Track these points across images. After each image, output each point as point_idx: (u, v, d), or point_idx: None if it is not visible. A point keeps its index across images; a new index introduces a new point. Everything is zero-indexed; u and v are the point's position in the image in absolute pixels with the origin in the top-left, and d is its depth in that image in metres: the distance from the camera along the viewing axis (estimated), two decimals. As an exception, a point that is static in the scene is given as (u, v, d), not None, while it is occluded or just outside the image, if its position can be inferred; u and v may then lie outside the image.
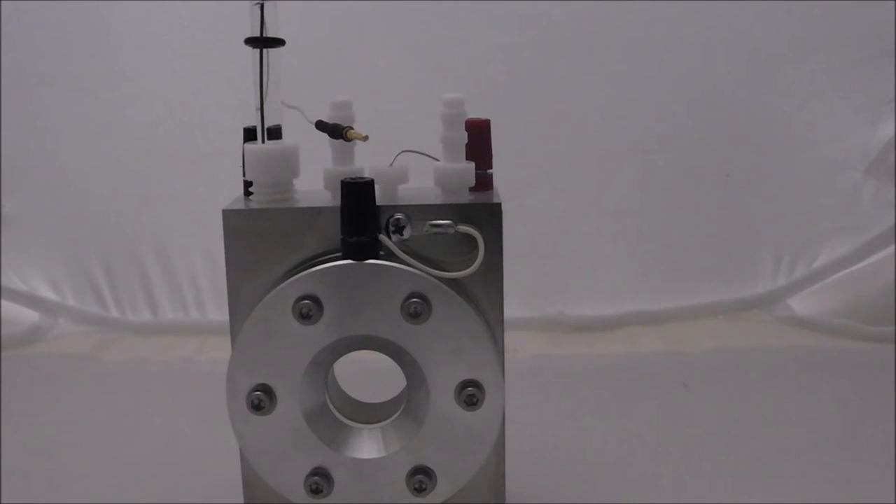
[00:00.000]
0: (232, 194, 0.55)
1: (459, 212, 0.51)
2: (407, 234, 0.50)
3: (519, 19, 1.03)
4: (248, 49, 0.51)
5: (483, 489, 0.54)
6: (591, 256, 1.07)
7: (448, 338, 0.50)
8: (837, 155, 1.07)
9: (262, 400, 0.51)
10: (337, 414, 0.54)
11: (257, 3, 0.51)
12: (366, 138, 0.52)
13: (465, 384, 0.51)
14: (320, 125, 0.53)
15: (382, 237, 0.50)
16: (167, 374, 0.93)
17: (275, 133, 0.54)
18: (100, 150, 1.07)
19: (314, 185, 0.55)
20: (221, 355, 0.52)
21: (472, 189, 0.54)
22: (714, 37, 1.04)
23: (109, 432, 0.76)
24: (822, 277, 1.07)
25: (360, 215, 0.49)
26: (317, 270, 0.50)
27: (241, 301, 0.52)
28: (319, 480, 0.52)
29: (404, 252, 0.50)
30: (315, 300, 0.50)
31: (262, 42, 0.51)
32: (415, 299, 0.50)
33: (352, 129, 0.52)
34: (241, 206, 0.52)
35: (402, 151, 0.53)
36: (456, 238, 0.51)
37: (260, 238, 0.51)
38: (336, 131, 0.52)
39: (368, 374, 0.62)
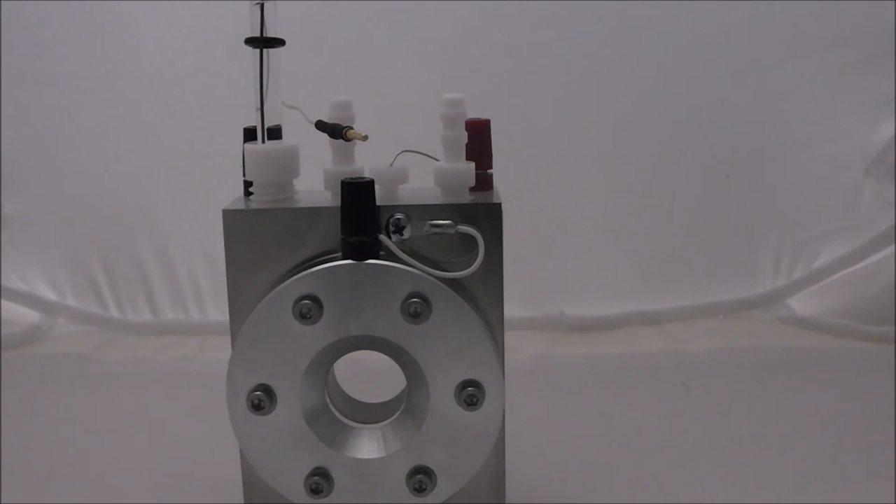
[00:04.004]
0: (232, 194, 0.55)
1: (459, 212, 0.51)
2: (407, 234, 0.50)
3: (519, 20, 1.03)
4: (248, 49, 0.51)
5: (483, 489, 0.54)
6: (591, 256, 1.07)
7: (448, 338, 0.50)
8: (837, 155, 1.07)
9: (262, 400, 0.51)
10: (337, 414, 0.54)
11: (257, 3, 0.51)
12: (366, 138, 0.52)
13: (465, 384, 0.51)
14: (320, 125, 0.53)
15: (382, 237, 0.50)
16: (167, 374, 0.93)
17: (275, 133, 0.54)
18: (100, 150, 1.07)
19: (314, 185, 0.55)
20: (221, 355, 0.52)
21: (472, 189, 0.54)
22: (714, 37, 1.04)
23: (109, 432, 0.76)
24: (822, 277, 1.07)
25: (360, 215, 0.49)
26: (317, 270, 0.50)
27: (241, 301, 0.52)
28: (319, 480, 0.52)
29: (404, 252, 0.50)
30: (315, 300, 0.50)
31: (262, 42, 0.51)
32: (415, 299, 0.50)
33: (352, 129, 0.52)
34: (241, 206, 0.52)
35: (402, 151, 0.53)
36: (456, 238, 0.51)
37: (260, 238, 0.51)
38: (336, 131, 0.52)
39: (368, 374, 0.62)
